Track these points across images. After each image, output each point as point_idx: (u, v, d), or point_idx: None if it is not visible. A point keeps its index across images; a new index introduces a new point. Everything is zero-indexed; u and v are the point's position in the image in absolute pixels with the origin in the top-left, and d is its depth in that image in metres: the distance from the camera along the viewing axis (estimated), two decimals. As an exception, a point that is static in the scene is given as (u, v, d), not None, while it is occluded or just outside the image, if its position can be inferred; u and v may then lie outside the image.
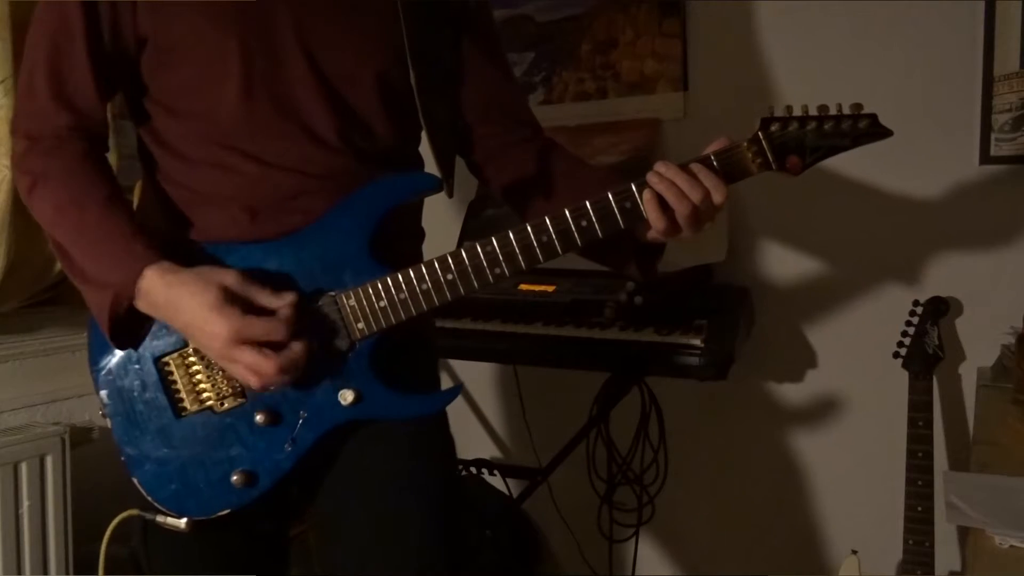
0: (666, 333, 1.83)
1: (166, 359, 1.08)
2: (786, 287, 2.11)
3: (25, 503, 1.89)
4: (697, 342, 1.79)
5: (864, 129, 1.05)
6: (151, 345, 1.08)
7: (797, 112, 1.05)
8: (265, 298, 1.02)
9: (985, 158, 1.85)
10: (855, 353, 2.05)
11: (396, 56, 1.13)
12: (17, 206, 1.79)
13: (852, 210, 1.97)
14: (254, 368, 1.00)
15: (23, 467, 1.89)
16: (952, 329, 1.90)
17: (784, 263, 2.10)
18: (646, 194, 1.06)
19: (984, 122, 1.84)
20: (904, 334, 1.81)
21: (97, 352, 1.10)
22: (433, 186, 1.13)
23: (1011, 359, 1.62)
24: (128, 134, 1.59)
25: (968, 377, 1.90)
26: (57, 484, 1.94)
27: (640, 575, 2.35)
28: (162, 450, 1.08)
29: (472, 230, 2.18)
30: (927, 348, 1.77)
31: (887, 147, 1.96)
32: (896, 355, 1.81)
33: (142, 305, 1.03)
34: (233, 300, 1.00)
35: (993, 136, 1.84)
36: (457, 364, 2.57)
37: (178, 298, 1.00)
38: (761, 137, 1.06)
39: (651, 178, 1.05)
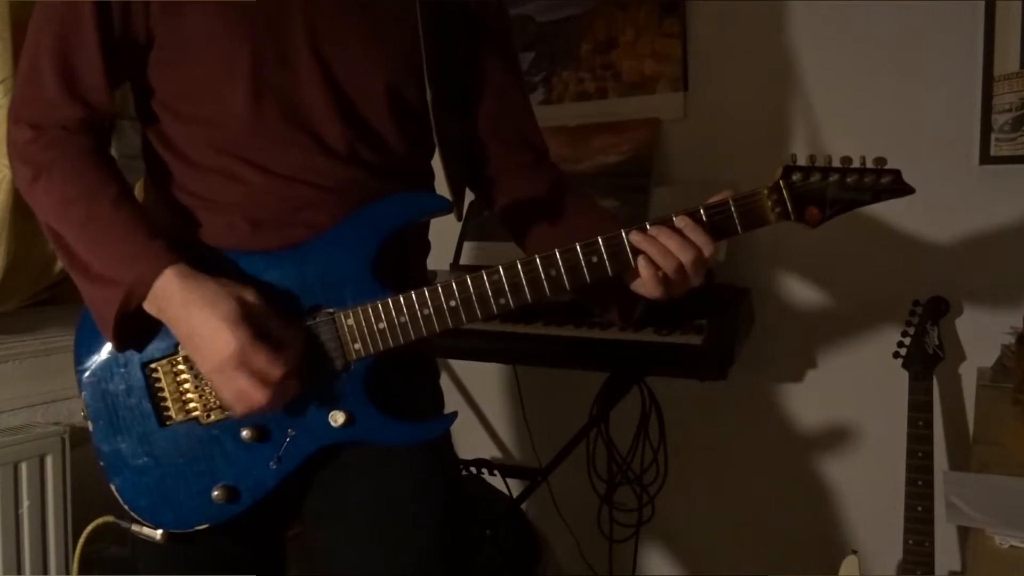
0: (666, 333, 1.83)
1: (154, 365, 1.05)
2: (786, 287, 2.11)
3: (25, 503, 1.89)
4: (697, 342, 1.79)
5: (886, 185, 1.03)
6: (146, 345, 1.05)
7: (820, 162, 1.04)
8: (277, 327, 0.99)
9: (985, 158, 1.85)
10: (855, 353, 2.05)
11: (410, 68, 1.11)
12: (17, 205, 1.79)
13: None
14: (244, 394, 0.97)
15: (23, 467, 1.89)
16: (952, 329, 1.90)
17: (784, 263, 2.10)
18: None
19: (984, 122, 1.84)
20: (904, 334, 1.81)
21: (83, 352, 1.07)
22: (443, 208, 1.10)
23: (1011, 359, 1.62)
24: (127, 134, 1.59)
25: (968, 377, 1.90)
26: (57, 484, 1.94)
27: (640, 575, 2.35)
28: (143, 458, 1.05)
29: (473, 230, 2.18)
30: (927, 348, 1.77)
31: (887, 147, 1.96)
32: (896, 355, 1.81)
33: (150, 306, 1.00)
34: (248, 318, 0.97)
35: (993, 136, 1.84)
36: (457, 364, 2.57)
37: (192, 303, 0.97)
38: (782, 186, 1.03)
39: (633, 237, 1.03)
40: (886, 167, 1.03)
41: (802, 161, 1.04)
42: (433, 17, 1.12)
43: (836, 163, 1.03)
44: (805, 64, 2.05)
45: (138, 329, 1.03)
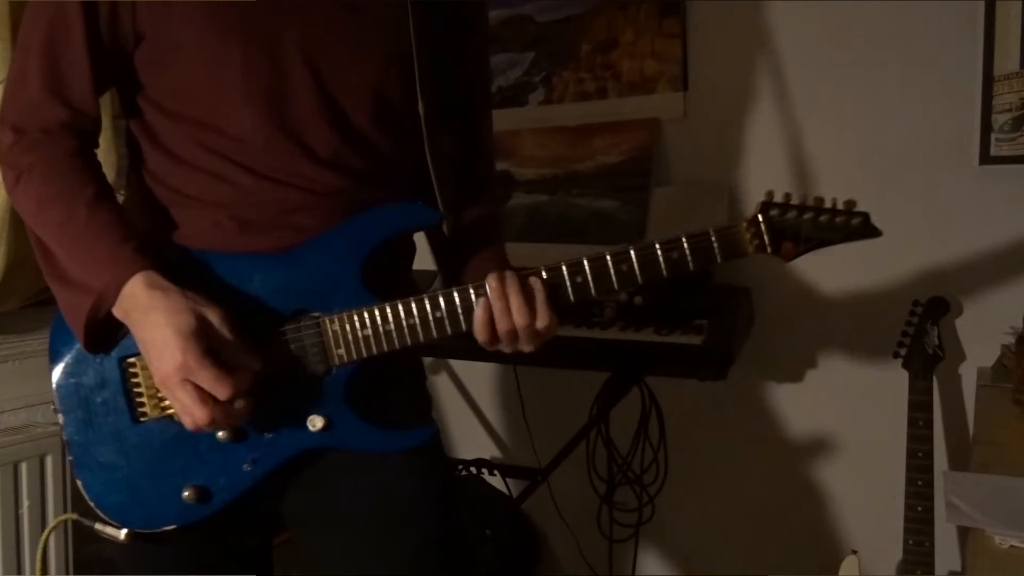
0: (666, 333, 1.83)
1: (132, 359, 1.04)
2: (786, 287, 2.11)
3: (25, 503, 1.89)
4: (697, 342, 1.78)
5: (855, 227, 1.06)
6: (118, 343, 1.04)
7: (795, 200, 1.07)
8: (234, 352, 0.98)
9: (985, 158, 1.85)
10: (855, 352, 2.05)
11: (400, 79, 1.11)
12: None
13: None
14: (187, 409, 0.96)
15: (23, 467, 1.89)
16: (952, 329, 1.90)
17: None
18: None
19: (984, 122, 1.84)
20: (904, 334, 1.81)
21: (58, 343, 1.06)
22: (433, 221, 1.12)
23: (1011, 359, 1.62)
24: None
25: (968, 377, 1.90)
26: (57, 484, 1.94)
27: (640, 575, 2.35)
28: (113, 455, 1.04)
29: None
30: (927, 348, 1.77)
31: (887, 147, 1.98)
32: (896, 355, 1.81)
33: (118, 311, 0.99)
34: (204, 335, 0.96)
35: (993, 136, 1.84)
36: (457, 364, 2.57)
37: (154, 311, 0.96)
38: (760, 220, 1.06)
39: (489, 282, 1.03)
40: (856, 210, 1.06)
41: (779, 198, 1.07)
42: (427, 30, 1.12)
43: (810, 202, 1.06)
44: (805, 64, 2.04)
45: (110, 332, 1.03)
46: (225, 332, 0.98)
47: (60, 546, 1.93)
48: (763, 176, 2.10)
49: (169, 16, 1.02)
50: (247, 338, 1.00)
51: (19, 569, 1.88)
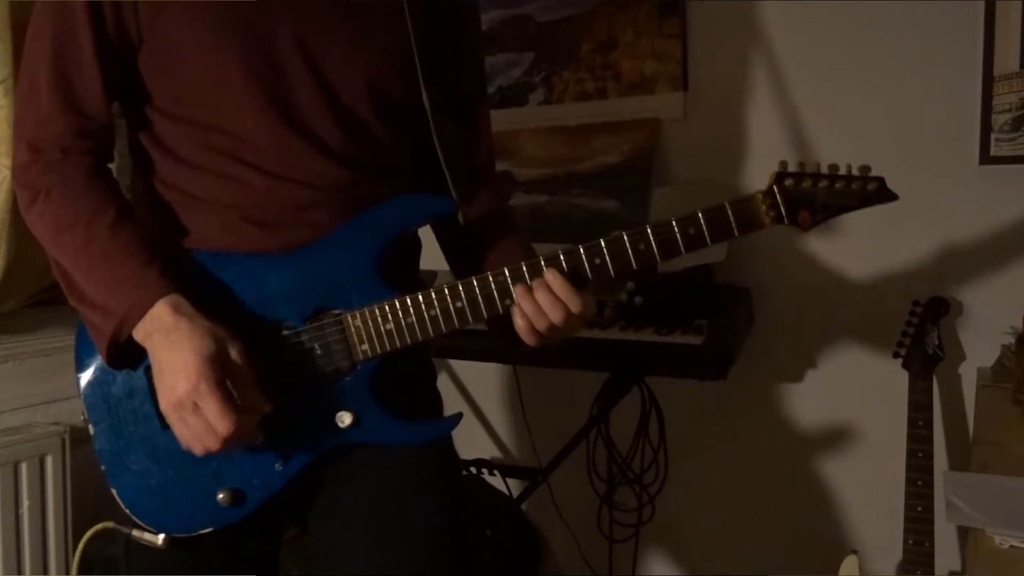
0: (666, 333, 1.83)
1: None
2: (786, 287, 2.11)
3: (25, 503, 1.89)
4: (697, 342, 1.78)
5: (872, 192, 1.05)
6: (144, 359, 1.04)
7: (809, 169, 1.06)
8: (247, 389, 0.98)
9: (985, 158, 1.85)
10: (855, 353, 2.05)
11: (397, 69, 1.11)
12: (17, 206, 1.79)
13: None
14: (194, 438, 0.96)
15: (23, 467, 1.89)
16: (952, 329, 1.90)
17: (784, 263, 2.10)
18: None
19: (984, 122, 1.84)
20: (904, 334, 1.81)
21: (83, 354, 1.07)
22: (448, 211, 1.12)
23: (1011, 359, 1.62)
24: (126, 134, 1.58)
25: (968, 377, 1.90)
26: (57, 484, 1.94)
27: (640, 575, 2.35)
28: (145, 462, 1.05)
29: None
30: (927, 348, 1.77)
31: (887, 147, 1.98)
32: (896, 355, 1.81)
33: (139, 332, 0.99)
34: (221, 363, 0.96)
35: (993, 136, 1.83)
36: (457, 364, 2.57)
37: (177, 332, 0.96)
38: (776, 191, 1.06)
39: (516, 291, 1.05)
40: (871, 174, 1.05)
41: (792, 168, 1.06)
42: (424, 25, 1.12)
43: (824, 169, 1.06)
44: (805, 64, 2.04)
45: (134, 350, 1.02)
46: (243, 366, 0.98)
47: (60, 546, 1.93)
48: (763, 176, 2.09)
49: (167, 17, 1.02)
50: (264, 371, 0.99)
51: (19, 569, 1.88)
